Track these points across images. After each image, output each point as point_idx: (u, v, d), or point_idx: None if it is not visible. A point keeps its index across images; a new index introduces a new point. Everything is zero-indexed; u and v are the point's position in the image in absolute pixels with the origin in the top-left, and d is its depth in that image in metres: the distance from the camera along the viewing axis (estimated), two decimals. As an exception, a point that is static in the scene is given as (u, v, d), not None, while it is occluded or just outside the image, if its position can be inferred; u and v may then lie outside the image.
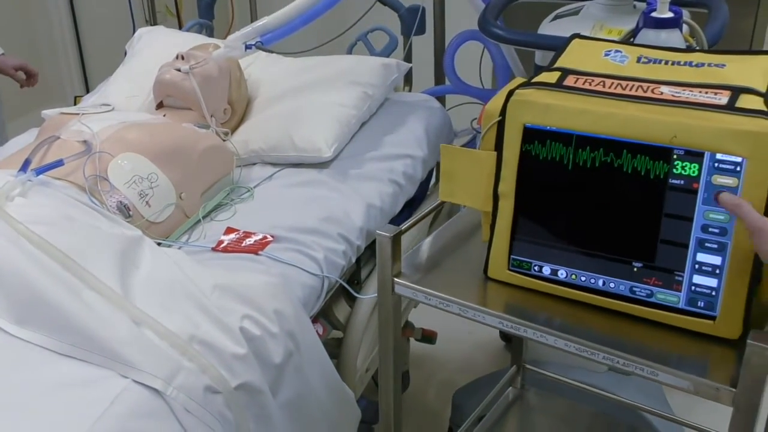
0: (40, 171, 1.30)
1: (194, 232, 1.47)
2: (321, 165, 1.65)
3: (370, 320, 1.54)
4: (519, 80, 1.12)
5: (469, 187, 1.12)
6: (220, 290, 1.20)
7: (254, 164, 1.72)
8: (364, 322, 1.52)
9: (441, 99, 2.10)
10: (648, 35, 1.19)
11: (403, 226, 1.11)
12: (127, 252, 1.22)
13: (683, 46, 1.18)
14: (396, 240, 1.08)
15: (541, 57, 1.53)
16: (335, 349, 1.54)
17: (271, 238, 1.39)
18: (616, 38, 1.35)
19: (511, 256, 1.11)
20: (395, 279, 1.11)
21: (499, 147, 1.08)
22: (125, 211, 1.37)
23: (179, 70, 1.68)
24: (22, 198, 1.23)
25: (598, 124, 1.00)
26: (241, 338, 1.14)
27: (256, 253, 1.35)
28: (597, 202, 1.03)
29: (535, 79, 1.06)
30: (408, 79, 2.15)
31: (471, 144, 1.94)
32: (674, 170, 0.97)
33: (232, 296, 1.19)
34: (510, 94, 1.06)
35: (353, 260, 1.51)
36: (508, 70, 1.77)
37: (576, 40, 1.16)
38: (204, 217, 1.52)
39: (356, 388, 1.53)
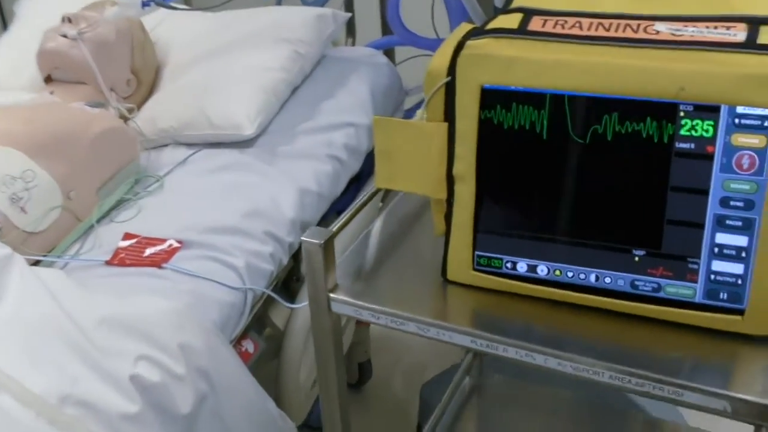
0: None
1: (88, 239, 1.24)
2: (244, 143, 1.42)
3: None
4: (467, 26, 0.90)
5: (412, 169, 0.91)
6: (108, 325, 0.98)
7: (166, 146, 1.49)
8: (305, 329, 1.31)
9: (389, 53, 1.87)
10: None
11: (334, 227, 0.89)
12: None
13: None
14: (328, 247, 0.87)
15: (500, -2, 1.31)
16: (273, 359, 1.34)
17: (178, 245, 1.17)
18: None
19: (476, 253, 0.90)
20: (331, 294, 0.89)
21: (449, 116, 0.87)
22: None
23: (66, 36, 1.43)
24: None
25: (579, 78, 0.80)
26: (132, 390, 0.92)
27: (159, 266, 1.13)
28: (583, 178, 0.84)
29: (490, 25, 0.84)
30: (351, 30, 1.92)
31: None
32: (681, 131, 0.78)
33: (123, 332, 0.97)
34: (459, 47, 0.84)
35: (285, 261, 1.29)
36: (464, 16, 1.54)
37: (535, -29, 0.94)
38: (101, 219, 1.29)
39: (302, 407, 1.33)
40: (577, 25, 0.83)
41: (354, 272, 0.94)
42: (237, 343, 1.17)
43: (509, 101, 0.83)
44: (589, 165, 0.82)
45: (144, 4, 1.39)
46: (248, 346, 1.23)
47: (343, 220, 0.92)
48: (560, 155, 0.83)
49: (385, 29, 1.90)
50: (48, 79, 1.50)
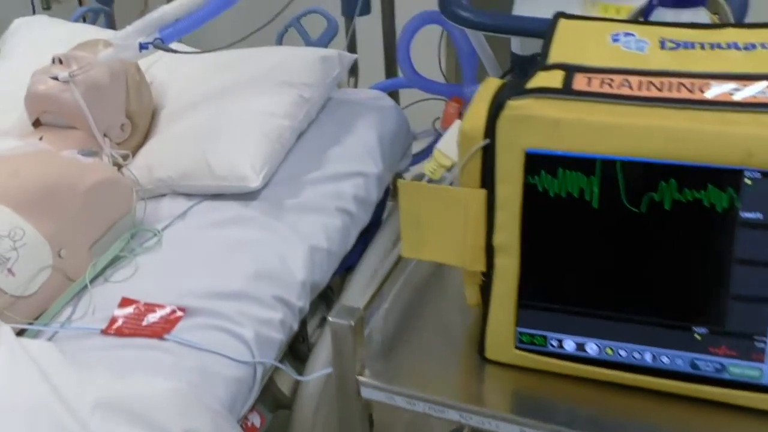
0: None
1: (81, 302, 1.16)
2: (247, 195, 1.35)
3: (325, 389, 1.25)
4: (495, 82, 0.84)
5: (444, 237, 0.84)
6: (103, 411, 0.89)
7: (163, 196, 1.41)
8: (315, 398, 1.23)
9: (394, 96, 1.81)
10: (665, 16, 0.94)
11: (362, 302, 0.82)
12: None
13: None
14: (358, 327, 0.79)
15: (519, 44, 1.25)
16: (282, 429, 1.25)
17: (181, 313, 1.09)
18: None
19: (519, 330, 0.83)
20: (360, 378, 0.82)
21: (487, 182, 0.80)
22: None
23: (57, 79, 1.36)
24: None
25: (633, 143, 0.74)
26: None
27: (161, 337, 1.05)
28: (638, 250, 0.78)
29: (530, 84, 0.78)
30: (354, 70, 1.85)
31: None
32: (747, 200, 0.72)
33: (120, 418, 0.89)
34: (498, 106, 0.77)
35: (295, 328, 1.21)
36: (475, 60, 1.49)
37: (563, 21, 0.89)
38: (95, 279, 1.20)
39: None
40: (626, 83, 0.77)
41: (379, 349, 0.87)
42: (243, 418, 1.08)
43: (556, 166, 0.76)
44: (645, 235, 0.76)
45: (142, 47, 1.32)
46: (254, 419, 1.15)
47: (371, 293, 0.84)
48: (612, 225, 0.77)
49: (389, 71, 1.85)
50: (37, 123, 1.42)
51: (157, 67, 1.60)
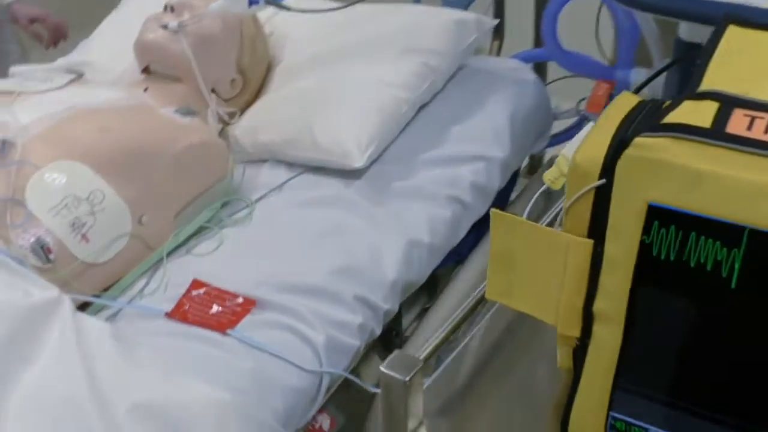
0: None
1: (157, 274, 1.10)
2: (350, 173, 1.23)
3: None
4: (629, 100, 0.67)
5: (537, 287, 0.69)
6: (140, 414, 0.82)
7: (264, 162, 1.32)
8: None
9: (541, 69, 1.61)
10: None
11: (424, 353, 0.69)
12: (17, 336, 0.86)
13: None
14: (416, 382, 0.67)
15: (688, 30, 1.04)
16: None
17: (250, 306, 1.00)
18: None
19: (612, 414, 0.68)
20: (416, 441, 0.70)
21: (596, 232, 0.64)
22: (42, 254, 1.00)
23: (166, 28, 1.28)
24: None
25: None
26: None
27: (224, 332, 0.97)
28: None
29: (671, 116, 0.60)
30: (499, 34, 1.67)
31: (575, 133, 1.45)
32: None
33: (154, 426, 0.82)
34: (622, 141, 0.60)
35: (378, 332, 1.10)
36: (635, 39, 1.28)
37: (733, 29, 0.69)
38: (175, 250, 1.14)
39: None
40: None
41: (443, 404, 0.74)
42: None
43: (687, 229, 0.59)
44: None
45: (251, 2, 1.21)
46: (323, 422, 1.06)
47: (437, 341, 0.71)
48: (750, 313, 0.59)
49: (539, 39, 1.65)
50: (146, 70, 1.36)
51: (278, 18, 1.49)
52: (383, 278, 1.10)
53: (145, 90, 1.31)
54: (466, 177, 1.28)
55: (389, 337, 1.23)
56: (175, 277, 1.09)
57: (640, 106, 0.67)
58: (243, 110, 1.38)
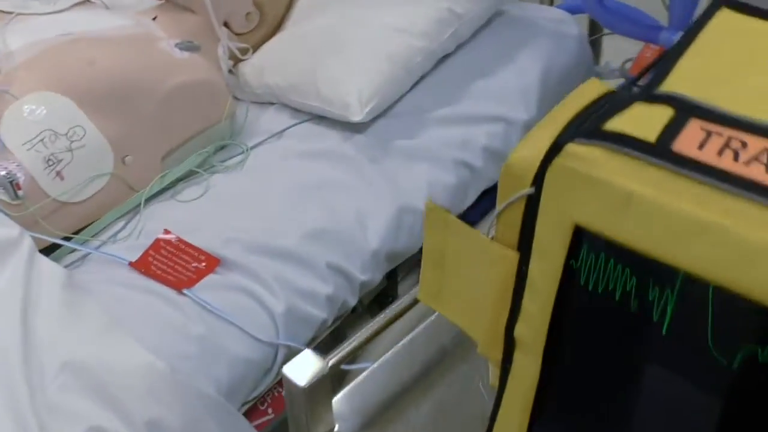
0: None
1: (136, 217, 1.07)
2: (353, 126, 1.15)
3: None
4: (597, 87, 0.57)
5: (466, 295, 0.62)
6: (71, 373, 0.80)
7: (272, 104, 1.26)
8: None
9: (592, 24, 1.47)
10: None
11: (334, 357, 0.62)
12: None
13: None
14: (321, 389, 0.61)
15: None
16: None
17: (213, 263, 0.95)
18: None
19: (534, 447, 0.60)
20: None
21: (526, 246, 0.55)
22: (11, 189, 0.97)
23: None
24: None
25: (748, 269, 0.45)
26: None
27: (180, 290, 0.93)
28: (711, 412, 0.51)
29: (614, 123, 0.50)
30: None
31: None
32: None
33: (85, 387, 0.79)
34: (557, 145, 0.51)
35: (351, 303, 1.03)
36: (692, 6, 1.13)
37: (725, 12, 0.58)
38: (160, 193, 1.10)
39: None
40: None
41: (358, 420, 0.67)
42: (259, 401, 0.95)
43: (618, 260, 0.50)
44: (728, 398, 0.49)
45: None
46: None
47: (355, 343, 0.64)
48: (683, 366, 0.50)
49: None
50: (161, -4, 1.30)
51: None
52: (364, 245, 1.03)
53: (154, 18, 1.25)
54: (479, 139, 1.18)
55: (385, 303, 1.17)
56: (151, 224, 1.05)
57: (605, 98, 0.57)
58: (258, 46, 1.31)
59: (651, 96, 0.52)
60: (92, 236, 1.04)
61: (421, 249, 1.07)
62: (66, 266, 0.99)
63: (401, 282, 1.19)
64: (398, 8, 1.22)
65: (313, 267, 0.98)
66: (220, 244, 0.99)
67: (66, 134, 1.02)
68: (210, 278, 0.95)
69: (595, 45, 1.49)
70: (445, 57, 1.26)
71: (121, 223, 1.06)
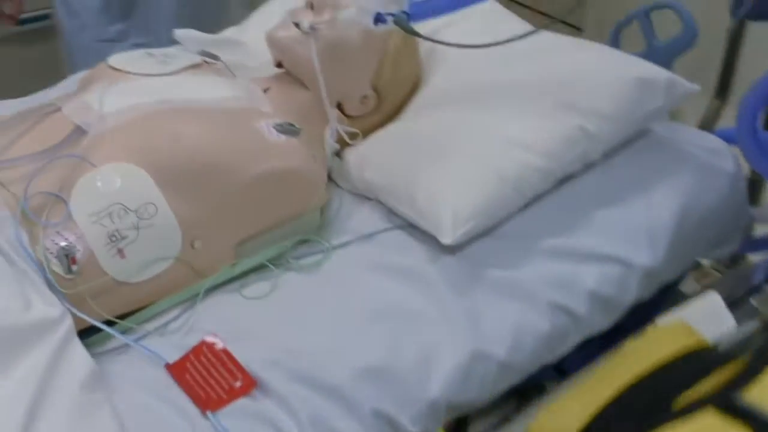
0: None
1: (193, 308, 0.99)
2: (442, 246, 1.03)
3: None
4: (683, 334, 0.43)
5: None
6: None
7: (370, 199, 1.16)
8: None
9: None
10: None
11: None
12: None
13: None
14: None
15: None
16: None
17: (248, 387, 0.86)
18: None
19: None
20: None
21: None
22: (65, 262, 0.93)
23: (299, 26, 1.15)
24: None
25: None
26: None
27: (204, 411, 0.84)
28: None
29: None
30: (723, 93, 1.35)
31: None
32: None
33: None
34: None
35: None
36: None
37: None
38: (225, 284, 1.02)
39: None
40: None
41: None
42: None
43: None
44: None
45: (378, 19, 1.04)
46: None
47: None
48: None
49: None
50: (281, 65, 1.24)
51: (446, 33, 1.29)
52: (422, 393, 0.90)
53: (266, 90, 1.19)
54: (587, 281, 1.02)
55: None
56: (207, 318, 0.97)
57: (692, 357, 0.42)
58: (368, 133, 1.22)
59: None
60: (141, 322, 0.97)
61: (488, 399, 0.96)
62: (105, 351, 0.93)
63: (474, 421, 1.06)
64: (521, 120, 1.09)
65: (357, 411, 0.86)
66: (264, 363, 0.89)
67: (136, 210, 0.96)
68: (241, 402, 0.86)
69: (756, 183, 1.29)
70: (565, 179, 1.11)
71: (175, 312, 0.99)
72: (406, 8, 1.02)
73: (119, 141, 1.00)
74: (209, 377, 0.88)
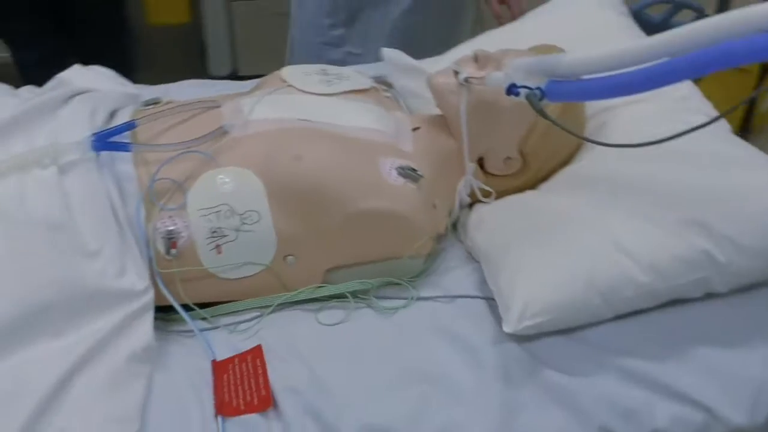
0: (101, 136, 1.05)
1: (265, 318, 1.06)
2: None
3: None
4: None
5: None
6: None
7: (476, 261, 1.14)
8: None
9: None
10: None
11: None
12: (74, 305, 0.95)
13: None
14: None
15: None
16: None
17: (266, 403, 0.91)
18: None
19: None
20: None
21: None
22: (167, 245, 1.03)
23: (457, 75, 1.16)
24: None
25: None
26: None
27: (216, 414, 0.90)
28: None
29: None
30: None
31: None
32: None
33: None
34: None
35: None
36: None
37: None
38: (308, 301, 1.08)
39: None
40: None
41: None
42: None
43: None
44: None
45: (510, 90, 1.01)
46: None
47: None
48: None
49: None
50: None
51: (618, 112, 1.22)
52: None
53: (416, 129, 1.22)
54: (655, 418, 0.92)
55: None
56: (273, 329, 1.03)
57: None
58: (507, 193, 1.20)
59: None
60: (215, 315, 1.06)
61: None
62: (174, 331, 1.03)
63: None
64: (637, 225, 1.01)
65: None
66: (290, 388, 0.94)
67: (241, 215, 1.04)
68: (253, 417, 0.91)
69: None
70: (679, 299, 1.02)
71: (248, 315, 1.06)
72: (542, 86, 0.99)
73: (248, 148, 1.09)
74: (239, 384, 0.94)
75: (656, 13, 1.59)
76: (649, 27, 1.58)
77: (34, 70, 2.11)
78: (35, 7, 2.09)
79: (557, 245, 1.03)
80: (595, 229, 1.03)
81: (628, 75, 0.90)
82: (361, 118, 1.18)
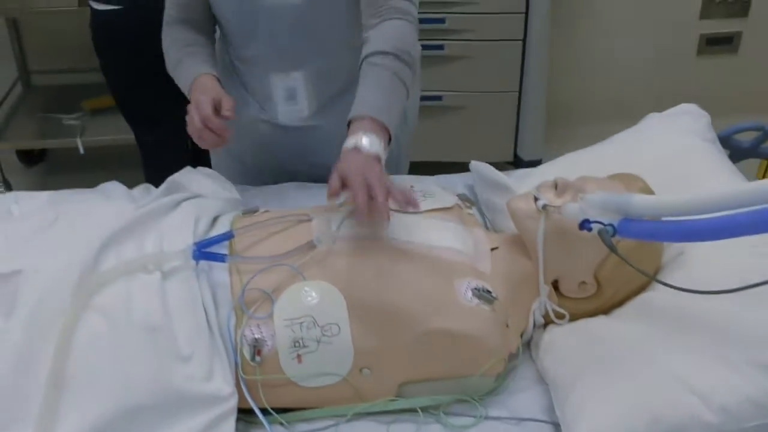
0: (202, 245, 1.15)
1: (341, 426, 1.11)
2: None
3: None
4: None
5: None
6: None
7: (545, 383, 1.17)
8: None
9: None
10: None
11: None
12: (161, 408, 1.03)
13: None
14: None
15: None
16: None
17: None
18: None
19: None
20: None
21: None
22: (252, 352, 1.11)
23: (536, 202, 1.21)
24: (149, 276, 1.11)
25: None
26: None
27: None
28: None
29: None
30: None
31: None
32: None
33: None
34: None
35: None
36: None
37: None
38: (383, 413, 1.12)
39: None
40: None
41: None
42: None
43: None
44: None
45: (583, 225, 1.05)
46: None
47: None
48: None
49: None
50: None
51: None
52: None
53: (494, 249, 1.27)
54: None
55: None
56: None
57: None
58: (580, 317, 1.22)
59: None
60: (293, 422, 1.12)
61: None
62: (252, 432, 1.10)
63: None
64: (708, 362, 1.01)
65: None
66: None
67: (322, 327, 1.11)
68: None
69: None
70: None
71: (324, 423, 1.12)
72: (614, 222, 1.02)
73: (334, 263, 1.16)
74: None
75: (745, 138, 1.60)
76: (739, 152, 1.60)
77: (152, 149, 2.29)
78: (160, 93, 2.23)
79: (624, 379, 1.04)
80: (664, 364, 1.04)
81: (701, 223, 0.93)
82: (442, 238, 1.24)
